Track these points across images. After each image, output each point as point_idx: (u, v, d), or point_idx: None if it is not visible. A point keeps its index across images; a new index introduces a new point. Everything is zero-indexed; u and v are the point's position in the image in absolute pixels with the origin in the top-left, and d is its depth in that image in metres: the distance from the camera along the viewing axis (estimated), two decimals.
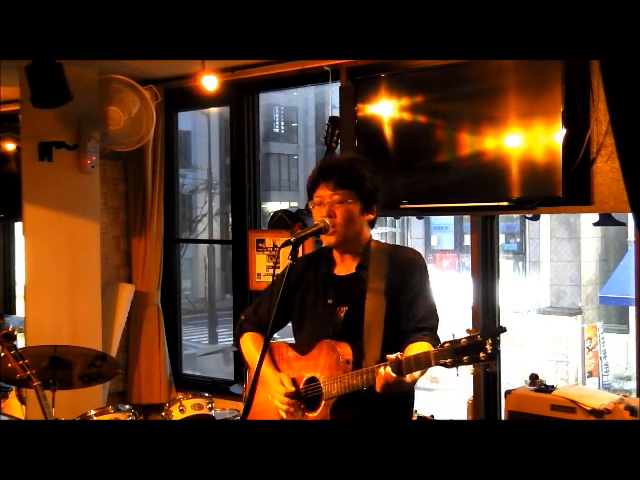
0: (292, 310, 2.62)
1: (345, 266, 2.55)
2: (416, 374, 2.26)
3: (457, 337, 2.07)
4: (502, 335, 2.04)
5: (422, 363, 2.15)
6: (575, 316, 12.82)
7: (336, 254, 2.57)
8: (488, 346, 1.99)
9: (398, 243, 14.86)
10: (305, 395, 2.47)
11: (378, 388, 2.23)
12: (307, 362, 2.49)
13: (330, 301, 2.52)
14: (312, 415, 2.43)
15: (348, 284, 2.52)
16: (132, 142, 4.73)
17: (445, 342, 2.09)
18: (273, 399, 2.50)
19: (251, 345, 2.65)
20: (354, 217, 2.46)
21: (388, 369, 2.19)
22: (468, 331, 2.05)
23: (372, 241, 2.56)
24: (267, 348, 2.31)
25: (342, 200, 2.43)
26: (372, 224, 2.57)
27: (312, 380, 2.46)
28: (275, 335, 2.75)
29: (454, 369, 2.09)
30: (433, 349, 2.14)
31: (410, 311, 2.44)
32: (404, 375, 2.19)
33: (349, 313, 2.48)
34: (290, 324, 2.70)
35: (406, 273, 2.48)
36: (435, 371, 2.31)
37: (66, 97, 4.04)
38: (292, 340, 2.72)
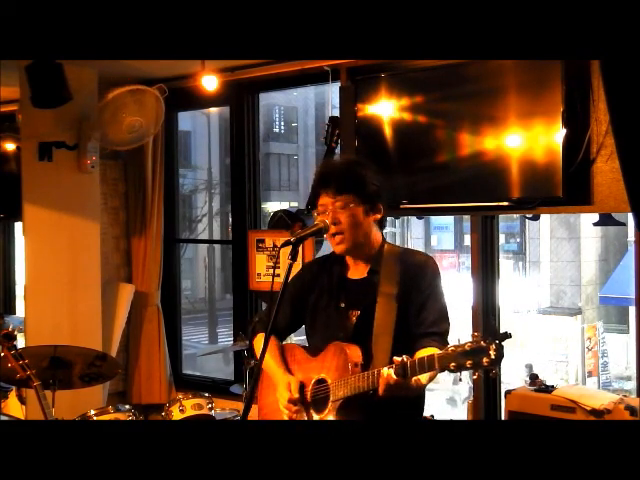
0: (305, 313, 2.63)
1: (358, 270, 2.55)
2: (423, 379, 2.26)
3: (462, 341, 2.06)
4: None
5: (426, 366, 2.14)
6: (575, 316, 12.82)
7: (348, 258, 2.57)
8: (492, 352, 1.98)
9: (398, 243, 14.85)
10: (313, 397, 2.47)
11: (380, 391, 2.23)
12: (316, 363, 2.50)
13: (343, 305, 2.52)
14: (319, 416, 2.43)
15: (360, 288, 2.52)
16: (136, 141, 4.72)
17: (450, 346, 2.09)
18: (278, 402, 2.52)
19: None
20: (359, 221, 2.46)
21: (390, 371, 2.19)
22: (473, 336, 2.05)
23: (385, 244, 2.56)
24: (267, 347, 2.30)
25: (344, 205, 2.43)
26: (381, 224, 2.56)
27: (321, 381, 2.46)
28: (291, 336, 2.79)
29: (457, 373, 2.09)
30: (437, 353, 2.13)
31: (420, 315, 2.43)
32: (408, 378, 2.19)
33: (361, 317, 2.48)
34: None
35: (417, 277, 2.47)
36: None
37: (66, 97, 4.04)
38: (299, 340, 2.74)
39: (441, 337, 2.41)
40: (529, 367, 10.07)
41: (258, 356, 2.69)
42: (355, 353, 2.38)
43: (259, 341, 2.70)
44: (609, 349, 12.12)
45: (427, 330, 2.41)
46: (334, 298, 2.54)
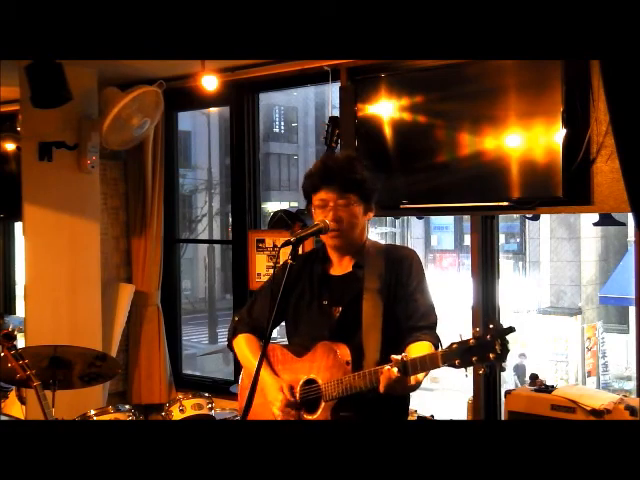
0: (286, 311, 2.60)
1: (341, 266, 2.55)
2: (420, 376, 2.25)
3: (464, 337, 2.05)
4: None
5: (428, 364, 2.14)
6: (575, 316, 12.83)
7: (332, 254, 2.56)
8: (497, 346, 1.97)
9: (398, 243, 14.86)
10: (303, 398, 2.45)
11: (382, 388, 2.22)
12: (304, 364, 2.48)
13: (325, 302, 2.51)
14: (311, 417, 2.42)
15: (344, 284, 2.51)
16: (138, 139, 4.71)
17: (453, 343, 2.07)
18: (271, 406, 2.49)
19: (245, 347, 2.64)
20: (358, 219, 2.47)
21: (394, 369, 2.18)
22: (475, 331, 2.03)
23: (367, 240, 2.57)
24: (266, 349, 2.30)
25: (348, 204, 2.43)
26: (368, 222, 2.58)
27: (310, 382, 2.44)
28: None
29: (462, 369, 2.08)
30: (441, 350, 2.12)
31: (408, 309, 2.43)
32: (409, 376, 2.18)
33: (344, 313, 2.47)
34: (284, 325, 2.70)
35: (402, 271, 2.47)
36: (435, 371, 2.30)
37: (66, 97, 4.04)
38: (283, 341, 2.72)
39: (431, 330, 2.42)
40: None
41: (240, 358, 2.67)
42: (345, 352, 2.37)
43: (239, 342, 2.67)
44: (609, 349, 12.13)
45: (417, 324, 2.41)
46: (316, 295, 2.54)
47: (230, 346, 2.74)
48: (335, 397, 2.35)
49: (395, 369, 2.17)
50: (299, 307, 2.58)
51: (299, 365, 2.50)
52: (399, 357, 2.18)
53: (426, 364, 2.15)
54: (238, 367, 4.89)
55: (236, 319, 2.79)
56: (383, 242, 2.67)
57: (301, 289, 2.58)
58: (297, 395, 2.47)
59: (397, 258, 2.51)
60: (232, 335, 2.73)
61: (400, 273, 2.47)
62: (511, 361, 11.35)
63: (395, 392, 2.22)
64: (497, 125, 3.49)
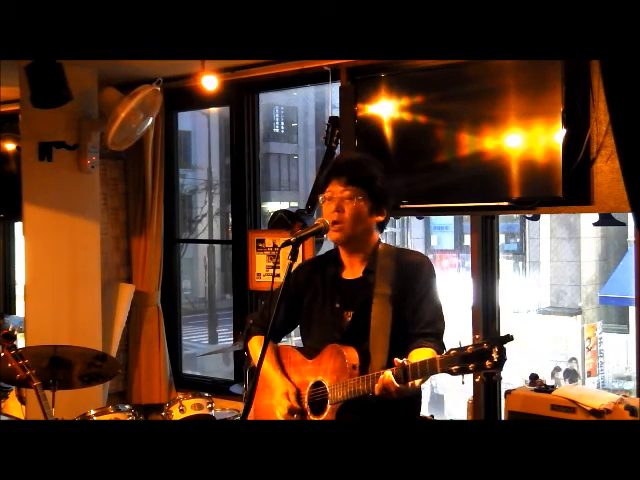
0: (300, 314, 2.62)
1: (353, 270, 2.54)
2: (417, 381, 2.25)
3: (463, 344, 2.06)
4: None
5: (428, 370, 2.14)
6: (575, 316, 12.81)
7: (344, 257, 2.56)
8: (494, 354, 1.98)
9: (398, 243, 14.85)
10: (310, 400, 2.46)
11: (377, 391, 2.23)
12: (313, 366, 2.49)
13: (338, 305, 2.51)
14: (317, 419, 2.42)
15: (355, 288, 2.51)
16: (138, 137, 4.71)
17: (451, 349, 2.08)
18: (275, 409, 2.51)
19: (258, 349, 2.65)
20: (362, 215, 2.46)
21: (390, 376, 2.19)
22: (475, 338, 2.04)
23: (380, 244, 2.56)
24: (265, 350, 2.30)
25: (352, 196, 2.44)
26: (381, 227, 2.57)
27: (318, 384, 2.45)
28: (284, 338, 2.77)
29: (459, 376, 2.08)
30: (439, 356, 2.13)
31: (415, 315, 2.43)
32: (408, 381, 2.19)
33: (355, 317, 2.47)
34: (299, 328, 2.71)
35: (413, 277, 2.47)
36: None
37: (66, 97, 4.04)
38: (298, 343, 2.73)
39: (436, 337, 2.42)
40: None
41: (254, 359, 2.70)
42: (352, 355, 2.37)
43: (254, 344, 2.70)
44: (609, 349, 12.12)
45: (423, 330, 2.41)
46: (329, 298, 2.54)
47: (246, 348, 2.79)
48: (340, 400, 2.35)
49: (391, 375, 2.18)
50: (312, 309, 2.59)
51: (309, 367, 2.51)
52: (401, 361, 2.19)
53: (426, 370, 2.15)
54: (238, 367, 4.90)
55: (250, 322, 2.83)
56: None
57: (313, 291, 2.59)
58: (305, 398, 2.48)
59: (408, 264, 2.50)
60: (247, 337, 2.77)
61: (410, 279, 2.46)
62: (562, 366, 11.41)
63: (390, 396, 2.22)
64: (497, 125, 3.49)
